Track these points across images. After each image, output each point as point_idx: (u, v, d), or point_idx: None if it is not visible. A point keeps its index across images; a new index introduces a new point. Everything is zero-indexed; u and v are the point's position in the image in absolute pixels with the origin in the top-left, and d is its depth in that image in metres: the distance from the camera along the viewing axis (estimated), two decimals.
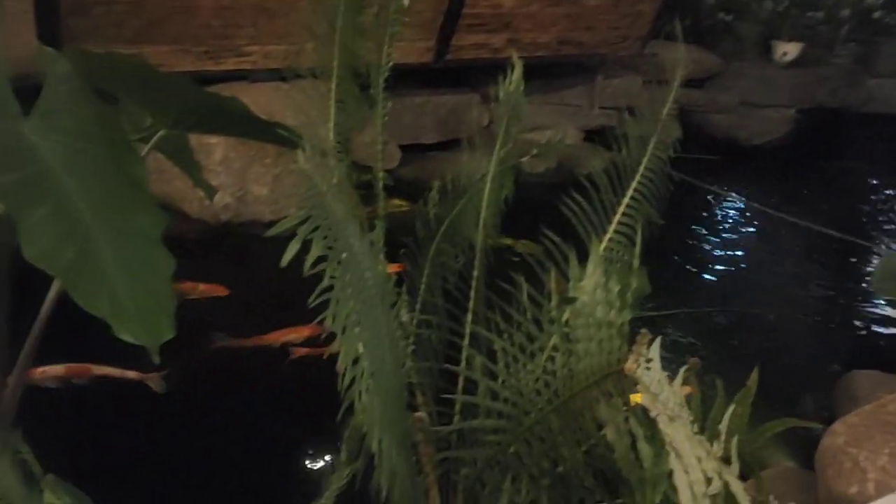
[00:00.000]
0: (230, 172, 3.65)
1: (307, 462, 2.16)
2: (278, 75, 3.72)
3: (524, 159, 1.64)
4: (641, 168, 1.42)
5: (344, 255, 0.84)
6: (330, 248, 0.84)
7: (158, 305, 1.10)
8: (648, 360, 0.82)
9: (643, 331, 0.83)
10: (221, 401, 2.38)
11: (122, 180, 1.18)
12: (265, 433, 2.26)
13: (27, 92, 1.16)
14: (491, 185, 1.55)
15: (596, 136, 4.74)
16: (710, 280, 3.60)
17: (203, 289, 2.75)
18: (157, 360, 1.02)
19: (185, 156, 1.62)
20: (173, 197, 3.53)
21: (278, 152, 3.70)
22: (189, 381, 2.35)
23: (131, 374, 2.33)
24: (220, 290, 2.76)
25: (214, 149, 3.63)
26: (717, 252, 3.87)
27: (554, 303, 1.11)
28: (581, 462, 1.07)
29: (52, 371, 2.28)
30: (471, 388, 1.40)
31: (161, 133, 1.42)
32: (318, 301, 0.92)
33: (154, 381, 2.33)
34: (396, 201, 3.39)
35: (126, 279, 1.08)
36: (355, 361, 0.90)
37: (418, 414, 1.31)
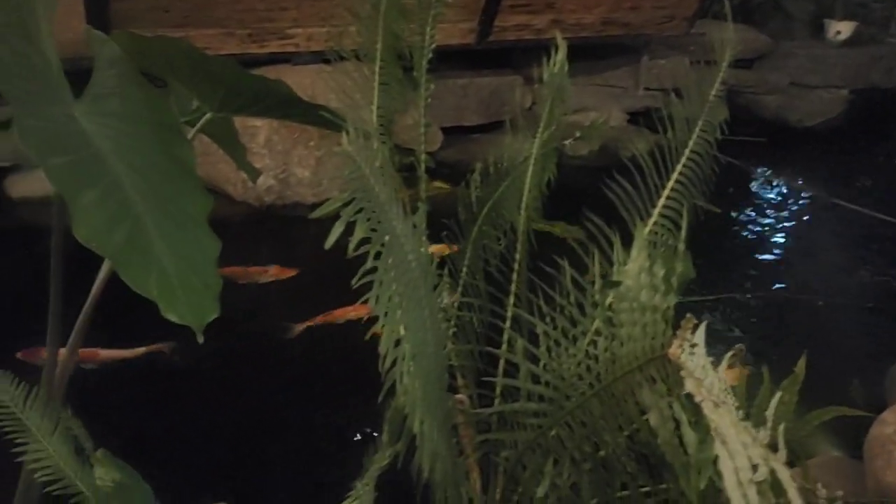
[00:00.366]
0: (273, 155, 3.69)
1: (350, 442, 2.18)
2: (321, 58, 3.76)
3: (567, 142, 1.63)
4: (687, 151, 1.39)
5: (387, 237, 0.84)
6: (373, 230, 0.84)
7: (204, 286, 1.11)
8: (693, 346, 0.81)
9: (688, 315, 0.82)
10: (270, 379, 2.43)
11: (171, 163, 1.20)
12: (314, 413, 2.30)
13: (77, 76, 1.18)
14: (533, 167, 1.54)
15: (640, 118, 4.68)
16: (756, 265, 3.53)
17: (273, 272, 2.82)
18: (201, 339, 1.04)
19: (231, 138, 1.64)
20: (217, 179, 3.59)
21: (321, 135, 3.74)
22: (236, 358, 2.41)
23: (140, 351, 2.44)
24: (289, 272, 2.82)
25: (258, 131, 3.67)
26: (765, 236, 3.79)
27: (597, 287, 1.10)
28: (623, 447, 1.07)
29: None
30: (512, 371, 1.40)
31: (207, 116, 1.44)
32: (360, 283, 0.93)
33: (165, 351, 2.42)
34: (438, 184, 3.40)
35: (173, 260, 1.10)
36: (397, 343, 0.90)
37: (459, 396, 1.31)
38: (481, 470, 1.36)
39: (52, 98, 1.11)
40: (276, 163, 3.64)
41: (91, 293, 1.36)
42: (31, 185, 3.55)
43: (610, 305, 0.98)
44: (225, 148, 1.67)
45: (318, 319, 2.59)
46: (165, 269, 1.09)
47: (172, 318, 1.05)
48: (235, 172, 3.57)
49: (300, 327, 2.58)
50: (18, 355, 2.35)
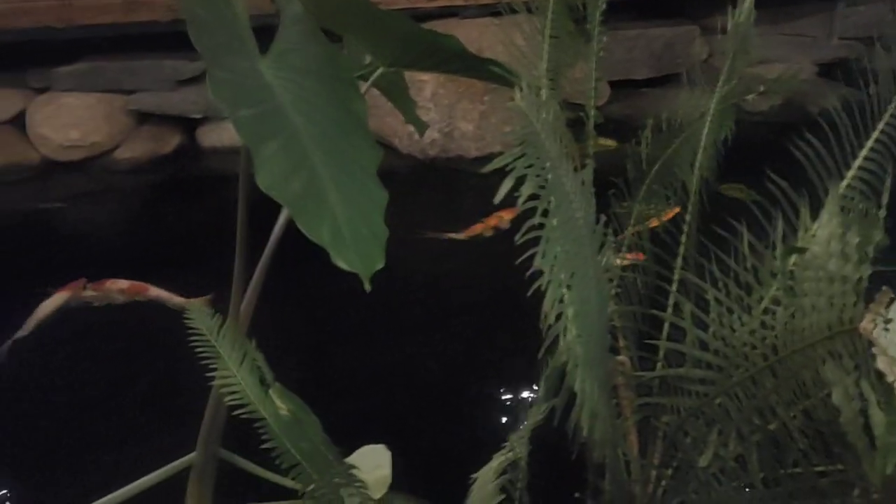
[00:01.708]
0: (439, 108, 3.74)
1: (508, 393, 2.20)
2: (488, 11, 3.73)
3: (749, 97, 1.52)
4: (892, 107, 1.25)
5: (555, 194, 0.83)
6: (542, 187, 0.83)
7: (373, 236, 1.15)
8: (888, 321, 0.74)
9: (884, 289, 0.75)
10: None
11: (345, 116, 1.25)
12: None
13: (261, 32, 1.25)
14: (710, 124, 1.45)
15: (833, 70, 4.28)
16: None
17: (493, 223, 2.90)
18: (368, 288, 1.08)
19: (401, 93, 1.68)
20: (385, 132, 3.70)
21: (486, 89, 3.74)
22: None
23: (177, 300, 2.50)
24: (507, 216, 2.85)
25: (425, 85, 3.73)
26: None
27: (779, 253, 1.03)
28: (796, 423, 1.00)
29: (119, 284, 2.51)
30: (675, 335, 1.35)
31: (380, 71, 1.48)
32: (524, 239, 0.93)
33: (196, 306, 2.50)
34: (603, 140, 3.31)
35: (345, 210, 1.15)
36: (560, 301, 0.89)
37: (620, 357, 1.29)
38: (639, 433, 1.33)
39: (241, 53, 1.18)
40: (441, 116, 3.69)
41: (271, 238, 1.46)
42: (219, 135, 3.84)
43: (791, 273, 0.92)
44: (395, 102, 1.72)
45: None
46: (337, 217, 1.13)
47: (342, 265, 1.10)
48: (402, 126, 3.66)
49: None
50: (82, 289, 2.53)
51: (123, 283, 2.52)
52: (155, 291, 2.51)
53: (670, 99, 1.64)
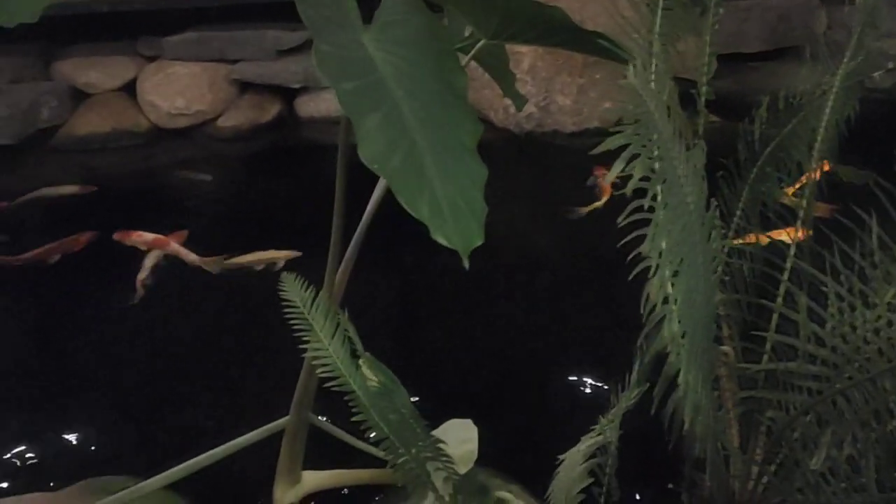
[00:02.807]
0: (536, 82, 3.67)
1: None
2: None
3: (877, 74, 1.41)
4: None
5: (667, 179, 0.78)
6: (653, 169, 0.79)
7: (471, 212, 1.13)
8: None
9: None
10: None
11: (446, 90, 1.22)
12: None
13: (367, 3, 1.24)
14: (833, 102, 1.35)
15: None
16: None
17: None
18: (467, 264, 1.06)
19: (502, 66, 1.64)
20: (481, 105, 3.66)
21: (585, 62, 3.64)
22: None
23: (192, 257, 2.63)
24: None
25: (522, 58, 3.67)
26: None
27: None
28: None
29: (145, 237, 2.69)
30: (784, 326, 1.28)
31: (481, 43, 1.45)
32: (627, 221, 0.89)
33: (210, 265, 2.56)
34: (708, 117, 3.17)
35: (444, 185, 1.13)
36: (666, 288, 0.85)
37: (724, 348, 1.23)
38: (740, 426, 1.27)
39: (345, 25, 1.18)
40: (539, 90, 3.63)
41: (367, 210, 1.46)
42: (317, 105, 3.90)
43: None
44: (495, 75, 1.68)
45: None
46: (436, 192, 1.12)
47: (441, 240, 1.08)
48: (498, 99, 3.62)
49: None
50: (114, 236, 2.73)
51: (148, 236, 2.72)
52: (174, 247, 2.68)
53: (783, 74, 1.54)
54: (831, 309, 1.01)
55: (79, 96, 3.94)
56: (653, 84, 0.82)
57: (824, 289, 1.04)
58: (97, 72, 3.96)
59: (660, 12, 1.27)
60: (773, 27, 3.86)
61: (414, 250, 2.66)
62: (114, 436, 2.00)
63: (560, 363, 2.21)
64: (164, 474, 1.50)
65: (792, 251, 1.32)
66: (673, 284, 0.83)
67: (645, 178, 0.78)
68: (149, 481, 1.49)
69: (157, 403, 2.11)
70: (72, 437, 1.98)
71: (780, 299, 1.29)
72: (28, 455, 1.92)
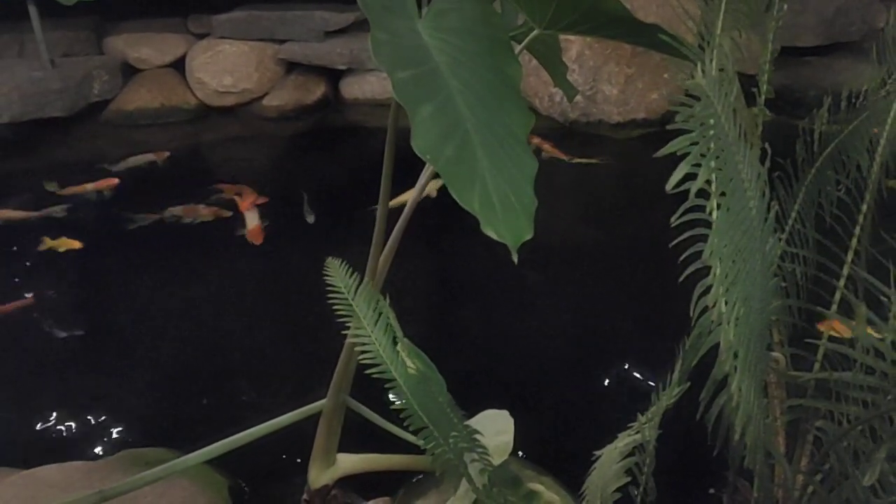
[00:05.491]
0: (583, 71, 3.62)
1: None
2: None
3: None
4: None
5: (731, 185, 0.76)
6: (717, 171, 0.77)
7: (521, 206, 1.12)
8: None
9: None
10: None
11: (499, 80, 1.21)
12: None
13: None
14: None
15: None
16: None
17: None
18: (516, 258, 1.05)
19: (554, 56, 1.62)
20: (526, 93, 3.63)
21: (633, 52, 3.58)
22: None
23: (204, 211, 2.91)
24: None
25: (570, 46, 3.62)
26: None
27: None
28: None
29: (174, 210, 2.92)
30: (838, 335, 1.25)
31: (534, 33, 1.42)
32: (679, 221, 0.87)
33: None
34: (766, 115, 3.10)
35: (495, 177, 1.12)
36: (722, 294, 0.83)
37: (775, 354, 1.20)
38: (787, 434, 1.25)
39: (402, 13, 1.16)
40: (585, 79, 3.58)
41: (411, 197, 1.45)
42: (361, 87, 3.90)
43: None
44: (547, 65, 1.66)
45: None
46: (487, 185, 1.11)
47: (490, 233, 1.07)
48: (544, 86, 3.58)
49: None
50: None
51: (177, 209, 2.94)
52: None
53: (837, 70, 1.48)
54: (892, 321, 0.98)
55: (129, 71, 4.00)
56: (722, 84, 0.79)
57: (884, 299, 1.01)
58: (148, 48, 4.01)
59: (723, 5, 1.22)
60: (830, 21, 3.75)
61: (454, 240, 2.66)
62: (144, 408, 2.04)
63: (602, 356, 2.19)
64: (204, 450, 1.52)
65: (849, 257, 1.29)
66: (729, 290, 0.81)
67: (690, 177, 0.75)
68: (189, 456, 1.51)
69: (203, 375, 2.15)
70: (117, 407, 2.03)
71: (834, 307, 1.26)
72: (74, 422, 1.97)
